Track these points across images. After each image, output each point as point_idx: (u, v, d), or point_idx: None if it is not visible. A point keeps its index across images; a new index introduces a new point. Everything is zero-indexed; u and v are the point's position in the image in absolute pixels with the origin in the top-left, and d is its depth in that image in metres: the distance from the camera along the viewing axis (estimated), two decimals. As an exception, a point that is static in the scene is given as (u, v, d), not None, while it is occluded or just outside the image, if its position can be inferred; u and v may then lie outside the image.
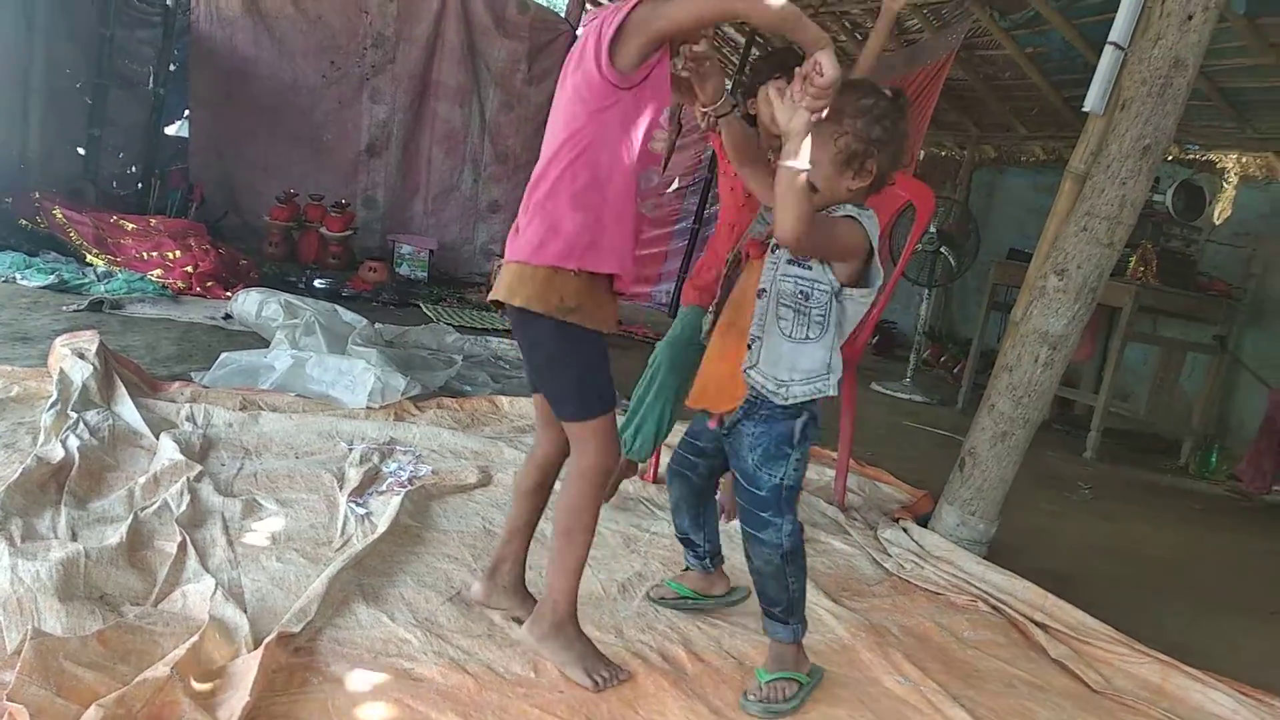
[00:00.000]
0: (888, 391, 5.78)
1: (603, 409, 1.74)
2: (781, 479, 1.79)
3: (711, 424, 1.89)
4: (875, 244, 1.75)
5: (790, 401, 1.77)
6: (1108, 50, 2.64)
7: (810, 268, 1.75)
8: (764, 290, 1.77)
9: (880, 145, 1.70)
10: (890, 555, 2.70)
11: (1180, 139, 5.74)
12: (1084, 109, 2.71)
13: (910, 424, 4.97)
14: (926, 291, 6.24)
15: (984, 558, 2.71)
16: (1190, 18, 2.43)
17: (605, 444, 1.74)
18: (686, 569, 2.17)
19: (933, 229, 5.70)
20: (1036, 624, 2.36)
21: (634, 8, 1.58)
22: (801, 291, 1.75)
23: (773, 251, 1.79)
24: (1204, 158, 5.69)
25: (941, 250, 5.88)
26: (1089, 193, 2.62)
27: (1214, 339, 5.22)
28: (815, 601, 2.26)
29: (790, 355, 1.76)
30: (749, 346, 1.78)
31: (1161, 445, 5.36)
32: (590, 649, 1.77)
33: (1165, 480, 4.78)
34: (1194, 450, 5.12)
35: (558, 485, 1.90)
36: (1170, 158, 5.72)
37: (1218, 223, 5.53)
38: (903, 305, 7.57)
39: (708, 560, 2.13)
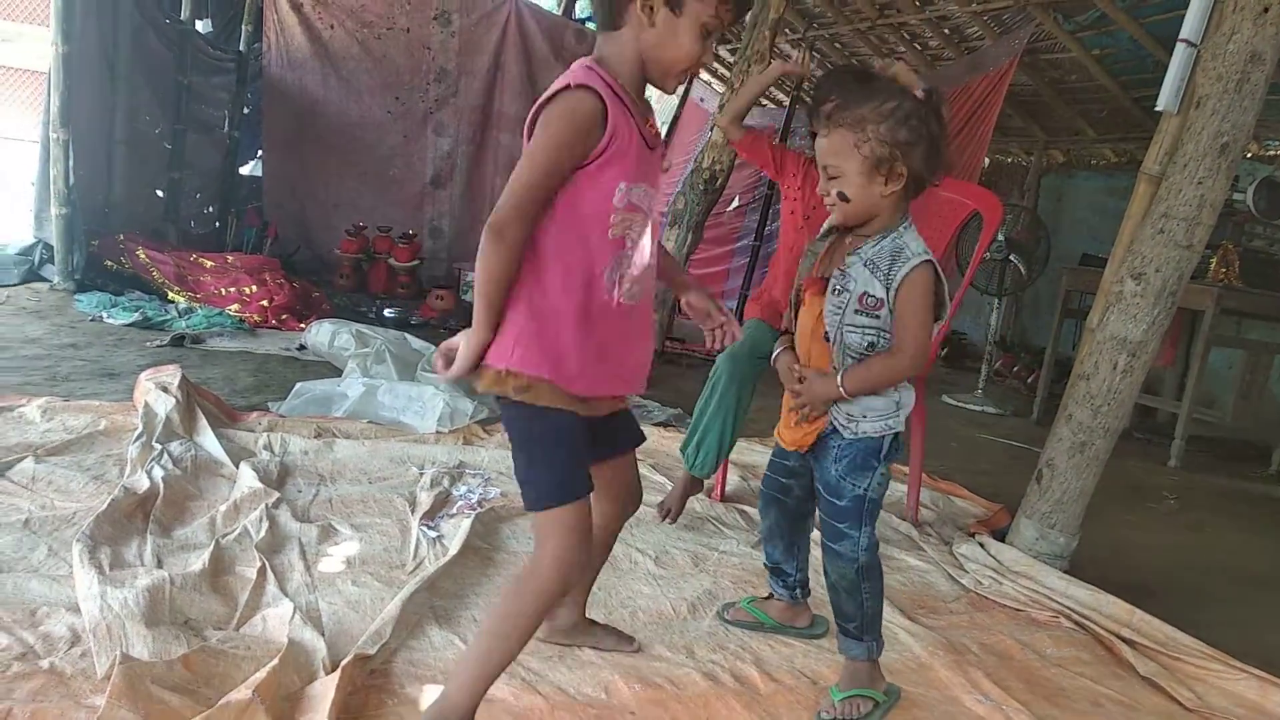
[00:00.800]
0: (959, 404, 5.66)
1: (559, 499, 1.46)
2: (865, 490, 1.75)
3: (799, 449, 1.86)
4: (940, 274, 1.69)
5: (858, 436, 1.75)
6: (1179, 47, 2.56)
7: (878, 316, 1.69)
8: (829, 337, 1.74)
9: (908, 147, 1.65)
10: (967, 571, 2.63)
11: (1260, 135, 5.54)
12: (1157, 108, 2.63)
13: (983, 436, 4.86)
14: (996, 301, 6.11)
15: (1065, 572, 2.62)
16: (1266, 10, 2.35)
17: (561, 546, 1.46)
18: (769, 596, 2.12)
19: (1001, 237, 5.59)
20: (1123, 640, 2.27)
21: (540, 108, 1.41)
22: (869, 342, 1.71)
23: (835, 294, 1.73)
24: (1286, 153, 5.48)
25: (1011, 258, 5.76)
26: (1165, 194, 2.54)
27: (1304, 340, 5.01)
28: (890, 619, 2.21)
29: (863, 397, 1.73)
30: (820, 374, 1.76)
31: (1250, 452, 5.15)
32: None
33: (1256, 489, 4.58)
34: (1287, 457, 4.90)
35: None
36: (1250, 155, 5.52)
37: (1303, 220, 5.31)
38: (972, 315, 7.43)
39: (796, 591, 2.08)
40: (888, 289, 1.67)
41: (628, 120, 1.43)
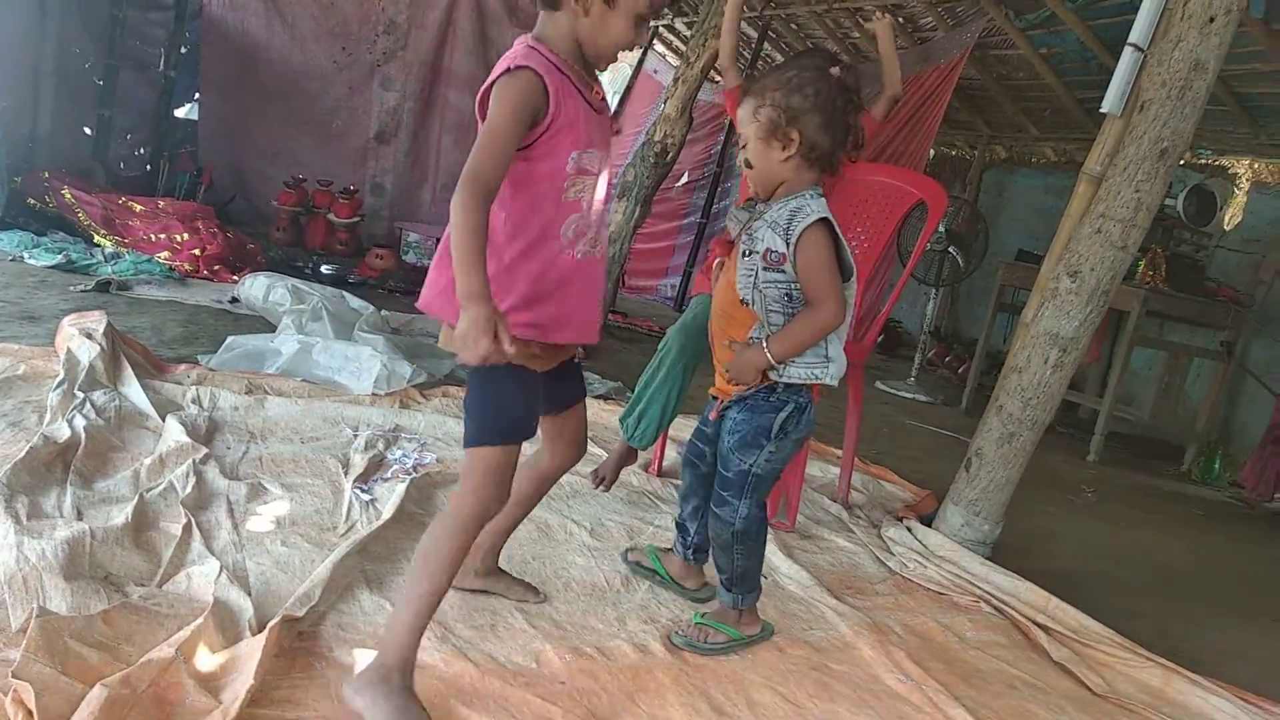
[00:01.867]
0: (892, 390, 5.77)
1: (491, 439, 1.55)
2: (750, 466, 1.88)
3: (712, 416, 1.97)
4: (838, 232, 1.79)
5: (786, 380, 1.83)
6: (1127, 51, 2.62)
7: (785, 270, 1.79)
8: (747, 301, 1.83)
9: (800, 113, 1.75)
10: (894, 554, 2.69)
11: (1193, 144, 5.72)
12: (1101, 110, 2.69)
13: (913, 423, 4.96)
14: (933, 291, 6.22)
15: (987, 559, 2.70)
16: (1212, 20, 2.41)
17: (485, 481, 1.54)
18: (670, 550, 2.23)
19: (942, 229, 5.69)
20: (1039, 626, 2.35)
21: (487, 90, 1.49)
22: (785, 294, 1.81)
23: (745, 256, 1.84)
24: (1216, 163, 5.67)
25: (950, 250, 5.87)
26: (1104, 194, 2.60)
27: (1221, 345, 5.21)
28: (818, 599, 2.26)
29: None
30: (753, 335, 1.85)
31: (1165, 450, 5.36)
32: (413, 712, 1.45)
33: (1168, 485, 4.77)
34: (1197, 456, 5.11)
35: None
36: (1183, 162, 5.69)
37: (1228, 228, 5.51)
38: (909, 304, 7.57)
39: (690, 553, 2.18)
40: (788, 244, 1.77)
41: (571, 92, 1.52)
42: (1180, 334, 5.57)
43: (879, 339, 7.18)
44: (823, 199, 1.82)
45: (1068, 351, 2.68)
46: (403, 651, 1.50)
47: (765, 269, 1.80)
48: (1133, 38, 2.61)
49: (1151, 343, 5.49)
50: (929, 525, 2.89)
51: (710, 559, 2.11)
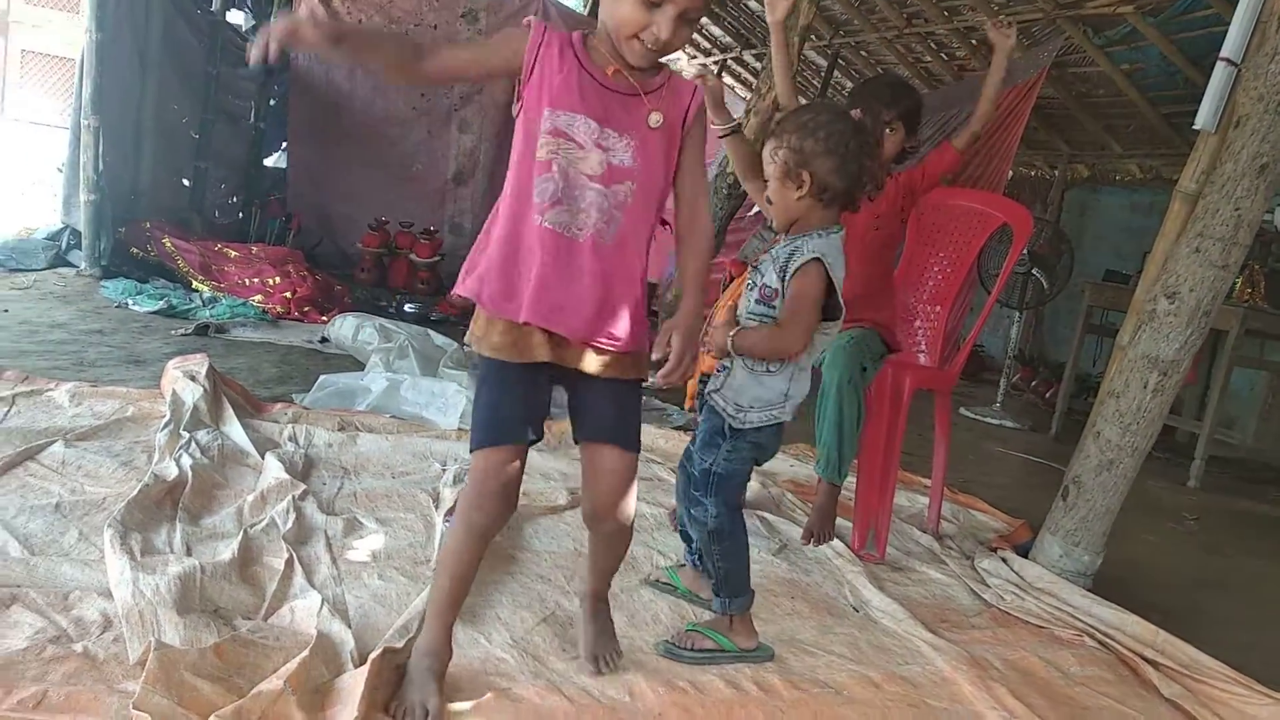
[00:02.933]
0: (977, 416, 5.64)
1: (474, 444, 1.59)
2: (711, 465, 1.94)
3: (698, 420, 2.07)
4: (837, 276, 1.85)
5: (745, 426, 1.91)
6: (1220, 66, 2.54)
7: (774, 307, 1.88)
8: (738, 323, 1.92)
9: (814, 156, 1.84)
10: (989, 586, 2.62)
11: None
12: (1195, 126, 2.61)
13: (1002, 450, 4.84)
14: (1017, 314, 6.09)
15: (1088, 590, 2.61)
16: (1308, 31, 2.33)
17: (471, 486, 1.58)
18: (684, 565, 2.27)
19: (1024, 250, 5.57)
20: (1147, 661, 2.26)
21: None
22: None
23: (749, 289, 1.94)
24: (1315, 175, 5.44)
25: (1033, 272, 5.74)
26: (1201, 213, 2.52)
27: (1329, 364, 4.97)
28: (912, 632, 2.21)
29: (751, 386, 1.90)
30: (718, 370, 1.95)
31: (1269, 475, 5.12)
32: (431, 692, 1.56)
33: (1275, 512, 4.54)
34: (1307, 481, 4.87)
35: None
36: None
37: (1331, 242, 5.27)
38: (992, 327, 7.40)
39: (697, 559, 2.18)
40: (782, 280, 1.87)
41: (564, 54, 1.56)
42: (1283, 353, 5.34)
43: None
44: (829, 238, 1.88)
45: (1168, 375, 2.59)
46: (437, 633, 1.64)
47: (757, 302, 1.91)
48: (1225, 52, 2.54)
49: (1252, 363, 5.27)
50: (1025, 556, 2.81)
51: None
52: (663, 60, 1.61)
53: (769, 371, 1.89)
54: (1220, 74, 2.54)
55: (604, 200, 1.56)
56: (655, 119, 1.58)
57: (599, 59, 1.58)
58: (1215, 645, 2.33)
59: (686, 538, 2.22)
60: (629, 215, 1.58)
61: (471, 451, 1.60)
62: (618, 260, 1.58)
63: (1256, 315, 4.71)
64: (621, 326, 1.58)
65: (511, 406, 1.59)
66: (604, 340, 1.58)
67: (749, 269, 1.98)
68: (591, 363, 1.60)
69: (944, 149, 2.73)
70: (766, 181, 1.93)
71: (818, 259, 1.83)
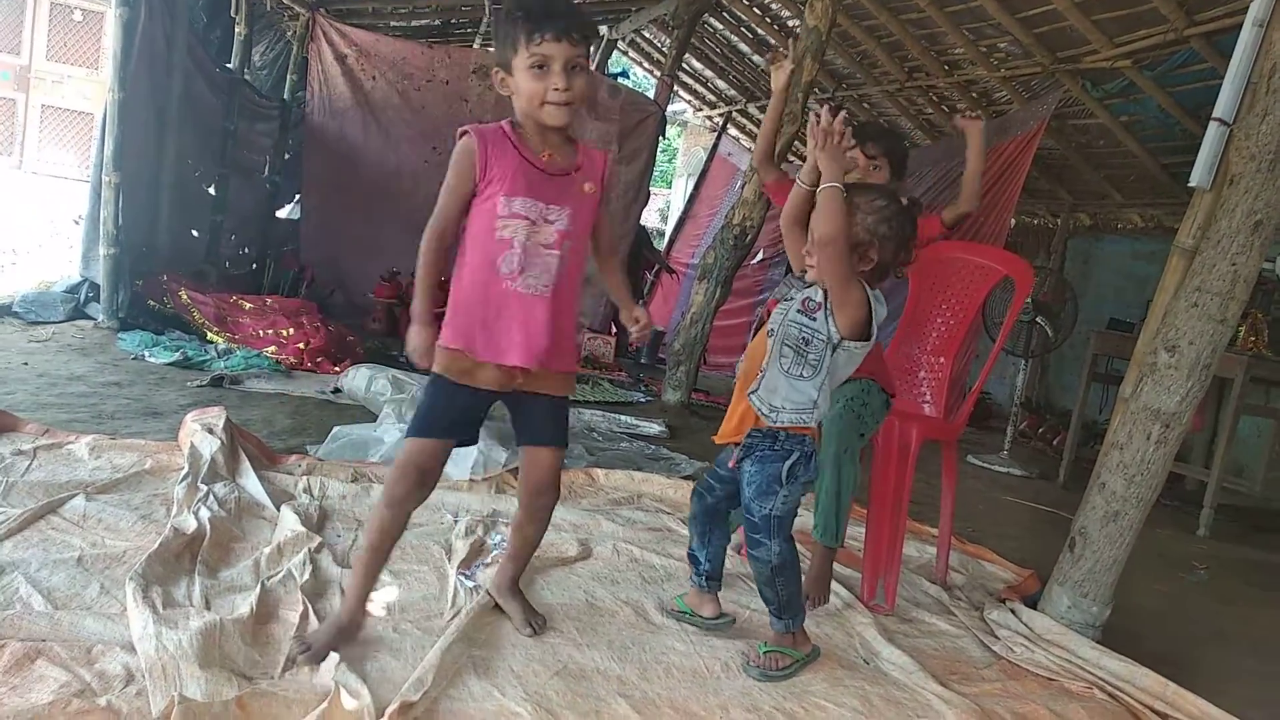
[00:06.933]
0: (985, 465, 5.66)
1: (409, 433, 2.01)
2: (770, 510, 2.12)
3: (731, 464, 2.21)
4: (874, 310, 2.09)
5: (779, 425, 2.09)
6: (1212, 126, 2.62)
7: (815, 319, 2.09)
8: (773, 331, 2.13)
9: (883, 240, 2.12)
10: (998, 637, 2.63)
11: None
12: (1190, 184, 2.68)
13: (1010, 499, 4.85)
14: (1023, 362, 6.13)
15: (1098, 642, 2.62)
16: (1298, 92, 2.41)
17: (396, 467, 1.99)
18: (687, 589, 2.43)
19: (1028, 299, 5.62)
20: (1157, 714, 2.26)
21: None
22: (803, 338, 2.09)
23: (783, 301, 2.15)
24: (1315, 224, 5.50)
25: (1038, 320, 5.79)
26: (1199, 268, 2.58)
27: (1335, 411, 4.99)
28: (923, 685, 2.22)
29: (785, 388, 2.10)
30: (758, 376, 2.13)
31: (1281, 523, 5.11)
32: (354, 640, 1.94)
33: (1288, 561, 4.53)
34: (1319, 529, 4.86)
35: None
36: (1278, 224, 5.55)
37: (1332, 290, 5.32)
38: (998, 375, 7.44)
39: (703, 580, 2.36)
40: (826, 296, 2.08)
41: (507, 151, 1.92)
42: (1289, 401, 5.35)
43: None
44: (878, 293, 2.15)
45: (1170, 427, 2.62)
46: (355, 602, 1.98)
47: (798, 311, 2.11)
48: (1218, 112, 2.61)
49: (1259, 411, 5.29)
50: (1033, 607, 2.82)
51: (721, 586, 2.40)
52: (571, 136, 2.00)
53: (801, 376, 2.09)
54: (1213, 133, 2.62)
55: (554, 261, 1.96)
56: (589, 187, 2.00)
57: (535, 146, 1.94)
58: (1225, 697, 2.33)
59: (693, 559, 2.38)
60: (570, 265, 1.98)
61: (406, 437, 1.99)
62: (565, 301, 2.00)
63: (1261, 364, 4.75)
64: (566, 353, 2.05)
65: (448, 413, 2.00)
66: (554, 367, 2.01)
67: (785, 299, 2.18)
68: (539, 383, 2.02)
69: (932, 221, 2.91)
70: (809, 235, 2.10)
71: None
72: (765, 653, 2.15)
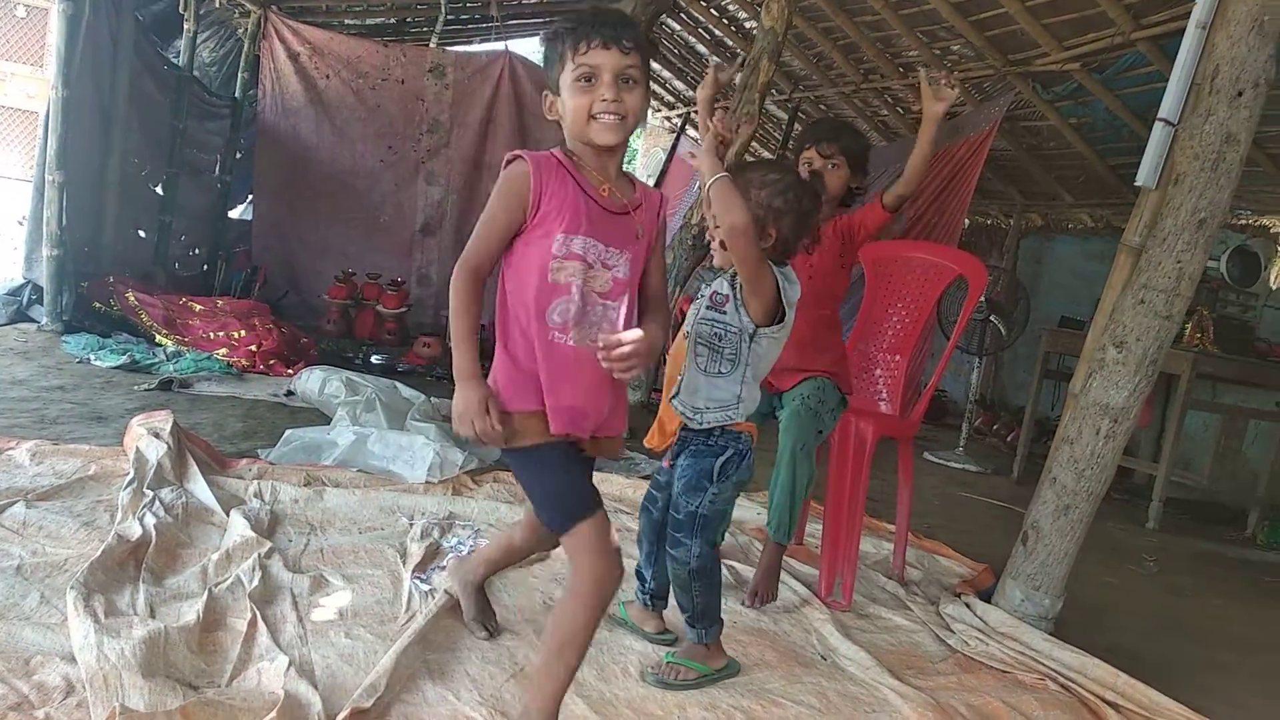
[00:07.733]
0: (941, 461, 5.72)
1: (565, 525, 1.65)
2: (697, 508, 2.07)
3: (665, 464, 2.20)
4: (784, 290, 2.02)
5: (706, 426, 2.06)
6: (1158, 126, 2.67)
7: (724, 312, 2.05)
8: (688, 333, 2.09)
9: (780, 214, 2.04)
10: (954, 631, 2.65)
11: (1232, 204, 5.71)
12: (1136, 183, 2.73)
13: (965, 494, 4.90)
14: (977, 360, 6.20)
15: (1050, 634, 2.65)
16: (1240, 94, 2.46)
17: (585, 560, 1.64)
18: (632, 600, 2.36)
19: (981, 298, 5.69)
20: (1108, 704, 2.30)
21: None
22: (716, 334, 2.05)
23: (696, 299, 2.11)
24: (1256, 222, 5.65)
25: (991, 319, 5.87)
26: (1145, 265, 2.62)
27: (1277, 405, 5.11)
28: (879, 680, 2.23)
29: (705, 388, 2.06)
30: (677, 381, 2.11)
31: (1227, 515, 5.22)
32: None
33: (1232, 551, 4.64)
34: (1261, 520, 4.98)
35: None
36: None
37: (1274, 287, 5.46)
38: (953, 373, 7.53)
39: (648, 598, 2.32)
40: (733, 287, 2.04)
41: (565, 181, 1.65)
42: (1234, 396, 5.48)
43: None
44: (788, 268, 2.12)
45: (1119, 422, 2.67)
46: (548, 711, 1.67)
47: (708, 307, 2.06)
48: (1162, 113, 2.66)
49: (1205, 406, 5.40)
50: (988, 601, 2.85)
51: (669, 604, 2.29)
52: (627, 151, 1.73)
53: (720, 373, 2.05)
54: (1159, 133, 2.67)
55: (610, 313, 1.69)
56: (640, 231, 1.73)
57: (592, 178, 1.68)
58: (1176, 687, 2.38)
59: (639, 575, 2.33)
60: (625, 321, 1.70)
61: (564, 533, 1.66)
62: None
63: (1207, 360, 4.85)
64: (621, 414, 1.76)
65: (574, 479, 1.71)
66: (610, 431, 1.75)
67: (698, 296, 2.13)
68: (595, 448, 1.74)
69: (873, 206, 2.75)
70: (717, 226, 2.00)
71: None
72: (668, 662, 2.09)
